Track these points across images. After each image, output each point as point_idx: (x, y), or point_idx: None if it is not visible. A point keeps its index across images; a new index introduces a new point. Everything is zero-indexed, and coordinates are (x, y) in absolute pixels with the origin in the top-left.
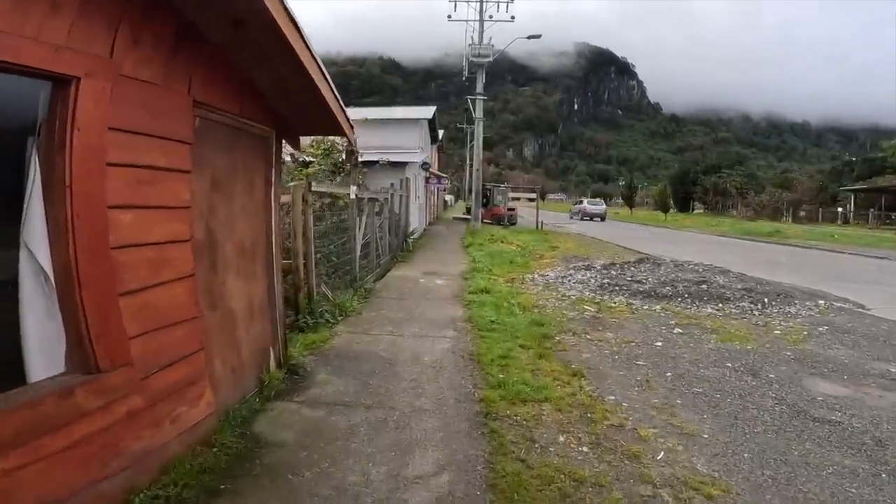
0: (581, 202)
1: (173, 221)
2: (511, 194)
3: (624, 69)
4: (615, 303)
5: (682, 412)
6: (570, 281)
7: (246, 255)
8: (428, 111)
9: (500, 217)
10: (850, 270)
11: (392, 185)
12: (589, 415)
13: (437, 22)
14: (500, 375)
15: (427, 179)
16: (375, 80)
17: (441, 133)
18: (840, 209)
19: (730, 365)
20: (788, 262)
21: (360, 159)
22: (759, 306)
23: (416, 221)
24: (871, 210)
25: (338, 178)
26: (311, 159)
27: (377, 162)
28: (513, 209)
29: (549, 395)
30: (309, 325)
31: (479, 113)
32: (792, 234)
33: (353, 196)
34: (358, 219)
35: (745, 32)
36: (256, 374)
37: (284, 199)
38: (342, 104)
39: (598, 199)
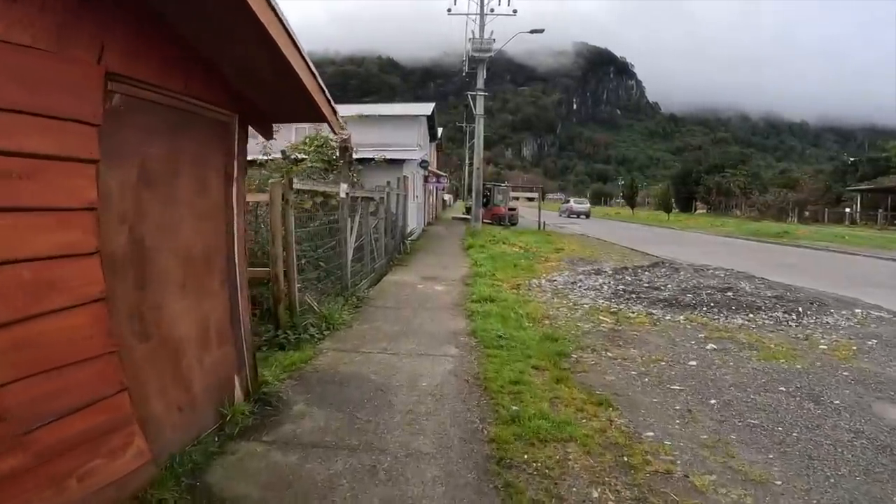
0: (568, 201)
1: (68, 228)
2: (512, 194)
3: (623, 69)
4: (634, 313)
5: (741, 451)
6: (580, 287)
7: (196, 267)
8: (427, 108)
9: (501, 217)
10: (866, 273)
11: (388, 183)
12: (626, 458)
13: (436, 21)
14: (513, 406)
15: (426, 178)
16: (374, 79)
17: (440, 131)
18: (847, 210)
19: (783, 389)
20: (801, 264)
21: (354, 156)
22: (794, 316)
23: (414, 222)
24: (880, 210)
25: (331, 176)
26: (304, 156)
27: (373, 159)
28: (514, 209)
29: (573, 432)
30: (290, 341)
31: (479, 109)
32: (801, 235)
33: (343, 195)
34: (349, 220)
35: (745, 32)
36: (216, 408)
37: (260, 198)
38: (322, 85)
39: (582, 199)
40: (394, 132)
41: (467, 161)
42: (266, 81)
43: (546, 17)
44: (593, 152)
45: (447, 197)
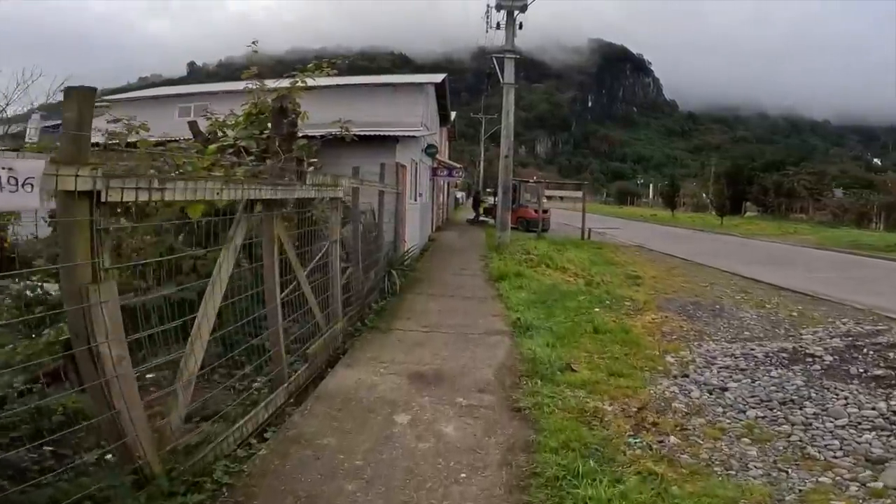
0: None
1: None
2: (547, 192)
3: (639, 66)
4: None
5: None
6: (824, 431)
7: None
8: (436, 77)
9: (532, 222)
10: None
11: (356, 170)
12: None
13: (447, 19)
14: None
15: (433, 170)
16: (386, 75)
17: (453, 116)
18: None
19: None
20: None
21: (302, 129)
22: None
23: (415, 234)
24: None
25: (267, 163)
26: (224, 133)
27: (330, 134)
28: (547, 211)
29: None
30: None
31: (508, 77)
32: None
33: (31, 202)
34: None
35: (763, 28)
36: None
37: None
38: None
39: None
40: (390, 105)
41: (482, 156)
42: None
43: (560, 13)
44: (609, 150)
45: (459, 194)
